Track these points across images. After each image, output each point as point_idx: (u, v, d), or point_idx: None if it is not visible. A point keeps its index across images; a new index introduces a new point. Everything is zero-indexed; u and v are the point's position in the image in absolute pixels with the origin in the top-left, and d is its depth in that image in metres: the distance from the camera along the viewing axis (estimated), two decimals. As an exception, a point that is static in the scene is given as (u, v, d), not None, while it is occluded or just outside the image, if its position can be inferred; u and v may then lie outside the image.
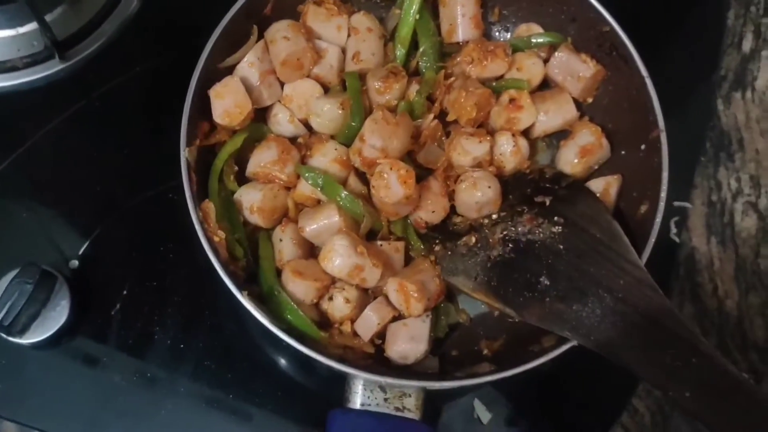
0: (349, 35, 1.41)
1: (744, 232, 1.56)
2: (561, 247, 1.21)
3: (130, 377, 1.33)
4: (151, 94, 1.56)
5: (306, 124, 1.37)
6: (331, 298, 1.24)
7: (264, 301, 1.22)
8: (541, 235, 1.23)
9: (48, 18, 1.49)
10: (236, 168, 1.33)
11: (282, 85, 1.38)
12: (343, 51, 1.40)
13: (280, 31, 1.33)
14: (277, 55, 1.33)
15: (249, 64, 1.34)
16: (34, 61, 1.51)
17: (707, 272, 1.52)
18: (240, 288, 1.15)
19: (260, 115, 1.38)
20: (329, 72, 1.38)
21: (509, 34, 1.49)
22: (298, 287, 1.22)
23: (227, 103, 1.29)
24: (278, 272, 1.26)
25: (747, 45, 1.74)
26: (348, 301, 1.23)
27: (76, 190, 1.47)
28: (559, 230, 1.23)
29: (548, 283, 1.17)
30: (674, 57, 1.59)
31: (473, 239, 1.29)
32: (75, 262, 1.40)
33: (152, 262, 1.42)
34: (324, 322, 1.25)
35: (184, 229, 1.21)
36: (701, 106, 1.66)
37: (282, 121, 1.37)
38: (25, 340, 1.29)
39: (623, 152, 1.35)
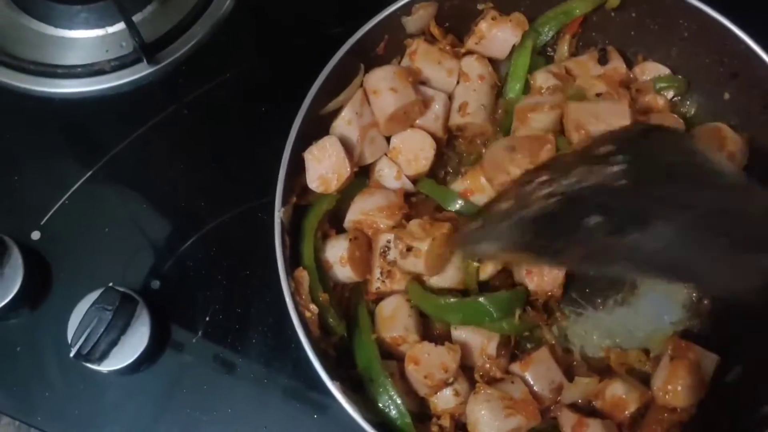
0: (457, 82, 1.23)
1: None
2: (623, 182, 0.90)
3: (210, 411, 1.27)
4: (244, 101, 1.43)
5: (415, 182, 1.23)
6: (438, 387, 1.10)
7: (358, 384, 1.11)
8: (595, 179, 0.95)
9: (137, 18, 1.37)
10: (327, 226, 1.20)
11: (387, 137, 1.22)
12: (450, 98, 1.24)
13: (385, 80, 1.16)
14: (383, 110, 1.16)
15: (347, 121, 1.16)
16: (121, 64, 1.39)
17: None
18: (332, 371, 1.05)
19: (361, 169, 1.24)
20: (434, 123, 1.22)
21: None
22: (413, 376, 1.09)
23: (324, 168, 1.13)
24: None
25: None
26: (458, 394, 1.10)
27: (160, 204, 1.38)
28: (621, 168, 0.92)
29: (600, 220, 0.88)
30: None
31: (509, 203, 1.05)
32: (156, 283, 1.32)
33: (237, 286, 1.32)
34: (421, 412, 1.13)
35: (272, 252, 1.12)
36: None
37: (388, 177, 1.22)
38: (104, 367, 1.23)
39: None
